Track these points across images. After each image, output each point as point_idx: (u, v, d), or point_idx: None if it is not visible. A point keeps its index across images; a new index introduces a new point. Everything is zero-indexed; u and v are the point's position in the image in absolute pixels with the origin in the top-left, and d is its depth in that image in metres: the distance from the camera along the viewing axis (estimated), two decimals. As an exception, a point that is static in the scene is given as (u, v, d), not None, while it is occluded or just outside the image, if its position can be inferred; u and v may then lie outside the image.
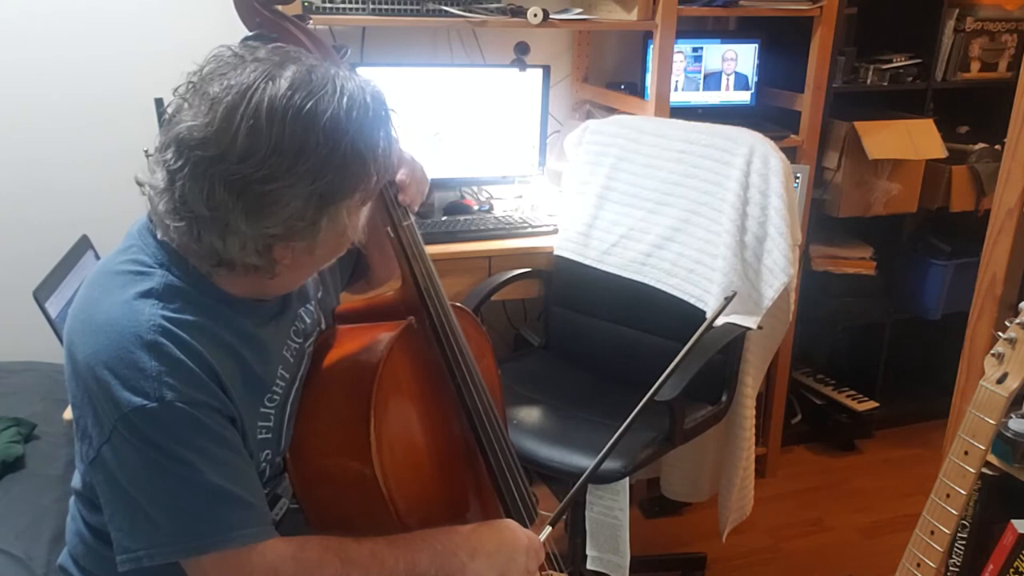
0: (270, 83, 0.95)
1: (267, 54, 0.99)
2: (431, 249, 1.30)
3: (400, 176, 1.23)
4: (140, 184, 1.01)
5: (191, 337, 1.00)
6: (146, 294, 1.00)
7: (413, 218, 1.27)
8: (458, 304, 1.37)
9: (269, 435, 1.12)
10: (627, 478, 1.87)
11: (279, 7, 1.19)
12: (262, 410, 1.11)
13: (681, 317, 2.11)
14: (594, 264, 2.27)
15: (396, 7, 2.22)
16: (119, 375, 0.96)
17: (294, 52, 1.01)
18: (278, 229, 0.97)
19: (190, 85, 0.99)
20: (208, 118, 0.94)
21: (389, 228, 1.25)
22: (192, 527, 0.97)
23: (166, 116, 0.99)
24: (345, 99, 0.97)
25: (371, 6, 2.19)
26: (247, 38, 1.16)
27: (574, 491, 1.33)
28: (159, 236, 1.03)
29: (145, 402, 0.95)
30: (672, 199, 2.16)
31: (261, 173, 0.93)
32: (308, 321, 1.22)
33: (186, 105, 0.97)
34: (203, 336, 1.01)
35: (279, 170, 0.94)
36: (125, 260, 1.04)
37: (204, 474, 0.97)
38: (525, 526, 1.37)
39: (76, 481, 1.16)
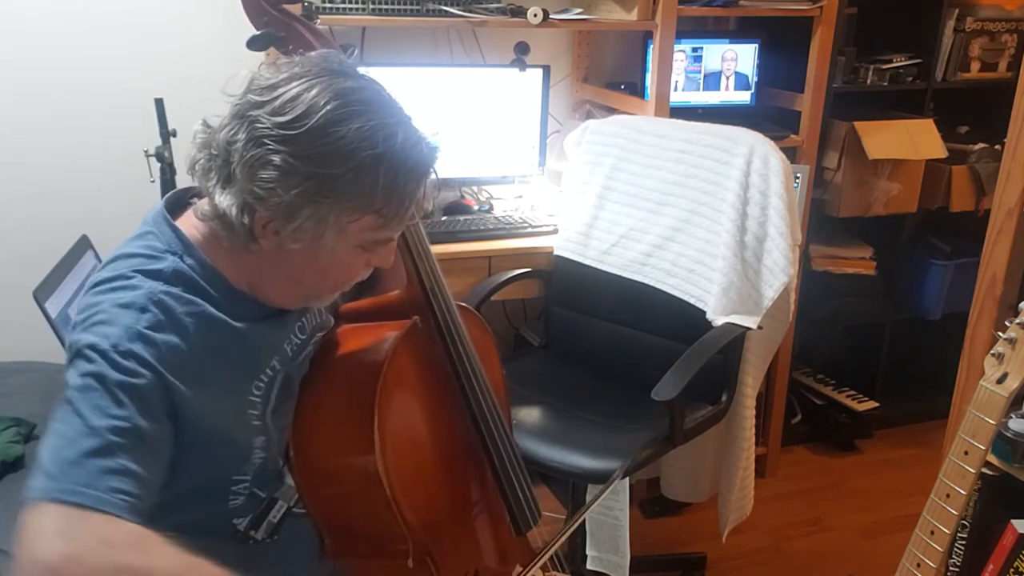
0: (346, 79, 0.99)
1: (373, 80, 1.04)
2: (431, 249, 1.30)
3: None
4: (207, 124, 1.03)
5: (187, 316, 1.01)
6: (154, 274, 1.01)
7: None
8: (463, 304, 1.37)
9: (259, 422, 1.12)
10: (627, 478, 1.87)
11: (286, 6, 1.19)
12: (250, 398, 1.10)
13: (681, 317, 2.11)
14: (594, 264, 2.27)
15: (396, 7, 2.22)
16: (95, 323, 0.96)
17: (392, 96, 1.04)
18: (263, 192, 0.97)
19: (291, 59, 1.04)
20: (276, 73, 0.99)
21: None
22: (59, 471, 0.88)
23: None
24: (395, 129, 0.99)
25: (371, 6, 2.19)
26: (254, 38, 1.17)
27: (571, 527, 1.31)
28: (187, 172, 1.05)
29: (101, 342, 0.94)
30: (672, 199, 2.16)
31: (278, 134, 0.95)
32: (314, 321, 1.23)
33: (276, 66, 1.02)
34: (200, 318, 1.02)
35: (295, 140, 0.95)
36: (139, 245, 1.05)
37: (104, 427, 0.91)
38: (528, 527, 1.38)
39: None
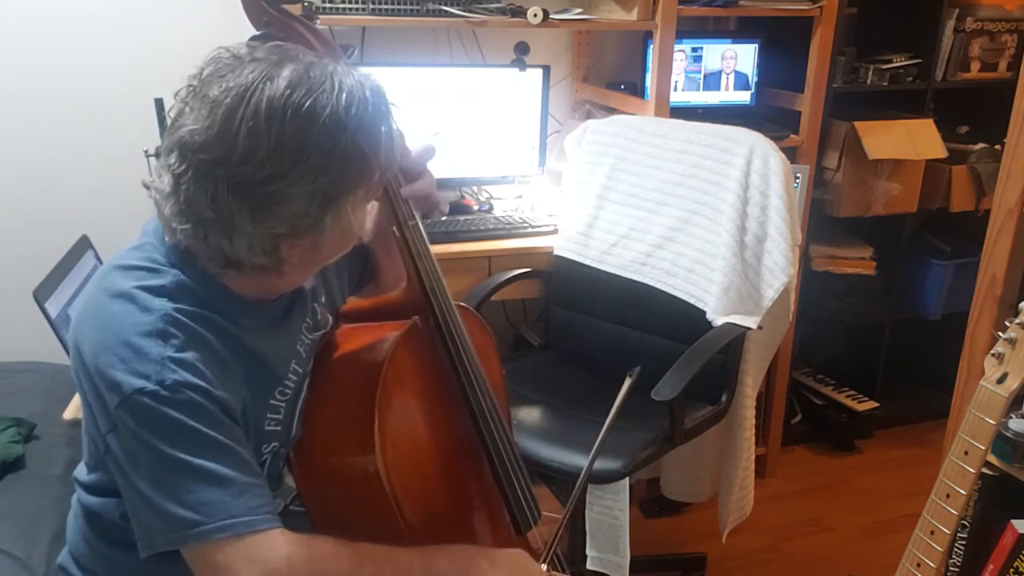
0: (268, 83, 0.95)
1: (265, 53, 0.98)
2: (431, 249, 1.30)
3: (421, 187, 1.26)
4: (147, 187, 1.01)
5: (202, 328, 1.01)
6: (158, 291, 1.01)
7: (419, 217, 1.27)
8: (463, 304, 1.37)
9: (278, 427, 1.13)
10: (627, 478, 1.87)
11: (286, 6, 1.19)
12: (271, 402, 1.12)
13: (681, 317, 2.11)
14: (594, 264, 2.27)
15: (396, 7, 2.22)
16: (124, 360, 0.96)
17: (292, 50, 1.00)
18: (283, 228, 0.97)
19: (190, 88, 0.98)
20: (208, 121, 0.94)
21: (395, 227, 1.25)
22: (195, 513, 0.94)
23: (168, 120, 1.00)
24: (344, 95, 0.97)
25: (371, 6, 2.19)
26: (254, 37, 1.16)
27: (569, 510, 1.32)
28: (168, 240, 1.03)
29: (146, 384, 0.95)
30: (672, 199, 2.16)
31: (263, 174, 0.94)
32: (319, 318, 1.23)
33: (187, 109, 0.97)
34: (213, 329, 1.02)
35: (280, 170, 0.94)
36: (139, 257, 1.05)
37: (206, 460, 0.96)
38: (528, 527, 1.38)
39: (81, 473, 1.17)
